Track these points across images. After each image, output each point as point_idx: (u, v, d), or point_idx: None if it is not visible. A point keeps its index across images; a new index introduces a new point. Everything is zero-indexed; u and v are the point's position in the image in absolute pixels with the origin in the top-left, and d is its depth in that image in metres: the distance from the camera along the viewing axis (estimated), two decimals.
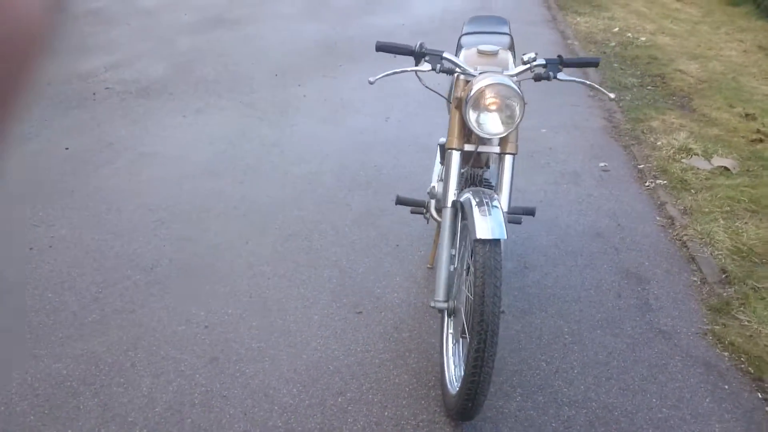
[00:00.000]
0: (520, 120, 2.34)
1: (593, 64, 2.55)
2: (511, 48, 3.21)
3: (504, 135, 2.38)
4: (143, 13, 7.56)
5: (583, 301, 3.13)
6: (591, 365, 2.74)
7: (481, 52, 2.59)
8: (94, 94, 5.32)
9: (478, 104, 2.32)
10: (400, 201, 3.03)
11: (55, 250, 3.35)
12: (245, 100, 5.29)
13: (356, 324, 2.90)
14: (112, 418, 2.41)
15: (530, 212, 3.13)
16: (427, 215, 2.99)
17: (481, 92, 2.31)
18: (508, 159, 2.47)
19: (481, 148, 2.51)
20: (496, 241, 2.21)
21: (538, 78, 2.49)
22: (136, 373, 2.61)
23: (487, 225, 2.22)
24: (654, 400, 2.57)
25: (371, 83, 2.46)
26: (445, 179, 2.50)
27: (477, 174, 2.85)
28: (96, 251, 3.34)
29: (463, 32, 3.33)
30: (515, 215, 3.01)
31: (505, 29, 3.31)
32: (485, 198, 2.33)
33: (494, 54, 2.61)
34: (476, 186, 2.76)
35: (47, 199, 3.80)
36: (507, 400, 2.56)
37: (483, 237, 2.19)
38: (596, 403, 2.56)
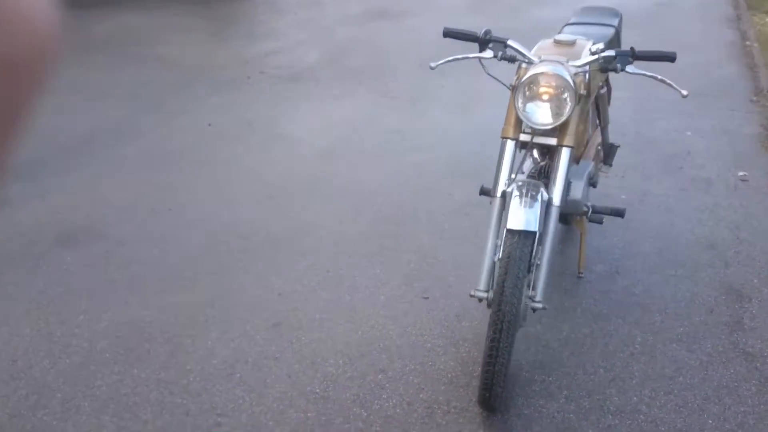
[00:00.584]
0: (570, 113, 2.27)
1: (669, 58, 2.40)
2: (614, 41, 3.08)
3: (552, 126, 2.31)
4: (313, 4, 7.98)
5: (668, 312, 2.94)
6: (653, 378, 2.58)
7: (557, 42, 2.53)
8: (248, 77, 5.73)
9: (526, 92, 2.28)
10: (483, 191, 3.02)
11: (172, 213, 3.69)
12: (382, 89, 5.45)
13: (419, 308, 2.94)
14: (173, 365, 2.65)
15: (618, 213, 2.99)
16: None
17: (530, 80, 2.26)
18: (564, 152, 2.40)
19: (537, 139, 2.45)
20: (526, 233, 2.16)
21: (604, 69, 2.39)
22: (206, 328, 2.84)
23: (520, 216, 2.19)
24: (710, 421, 2.38)
25: (432, 68, 2.49)
26: (497, 168, 2.47)
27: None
28: (206, 217, 3.65)
29: (567, 22, 3.25)
30: (597, 215, 2.89)
31: (613, 21, 3.18)
32: (529, 189, 2.28)
33: (570, 44, 2.54)
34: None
35: (179, 167, 4.19)
36: (549, 400, 2.48)
37: (512, 227, 2.16)
38: (644, 416, 2.41)
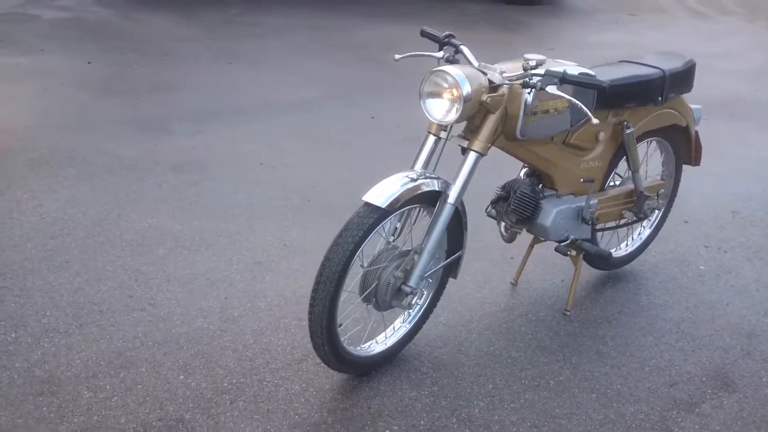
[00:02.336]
0: (459, 115, 2.32)
1: (598, 88, 2.33)
2: (653, 84, 2.93)
3: (447, 124, 2.39)
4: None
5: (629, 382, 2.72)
6: None
7: (524, 59, 2.56)
8: None
9: (425, 87, 2.40)
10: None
11: (279, 168, 4.27)
12: None
13: None
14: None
15: (603, 257, 2.88)
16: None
17: (429, 75, 2.38)
18: (470, 156, 2.44)
19: (452, 139, 2.52)
20: (374, 207, 2.28)
21: (525, 85, 2.39)
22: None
23: (376, 190, 2.30)
24: None
25: (396, 60, 2.70)
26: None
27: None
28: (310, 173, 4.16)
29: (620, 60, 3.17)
30: (561, 246, 2.82)
31: (666, 65, 3.00)
32: (420, 177, 2.39)
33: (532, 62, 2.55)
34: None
35: None
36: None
37: (363, 197, 2.30)
38: None
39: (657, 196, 3.28)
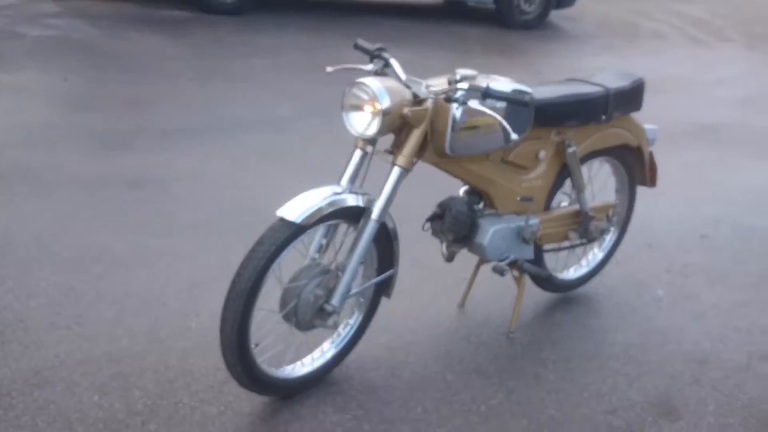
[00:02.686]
0: (378, 128, 2.27)
1: (521, 103, 2.26)
2: (594, 103, 2.86)
3: (368, 137, 2.32)
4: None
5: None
6: None
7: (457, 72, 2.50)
8: None
9: (345, 99, 2.35)
10: None
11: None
12: None
13: None
14: None
15: (543, 278, 2.80)
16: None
17: (349, 87, 2.33)
18: (393, 171, 2.38)
19: (377, 154, 2.45)
20: (288, 223, 2.21)
21: (448, 99, 2.33)
22: None
23: (291, 205, 2.24)
24: None
25: (329, 72, 2.65)
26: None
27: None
28: None
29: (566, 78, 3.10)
30: (499, 266, 2.74)
31: (611, 83, 2.93)
32: (343, 192, 2.33)
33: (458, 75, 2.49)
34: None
35: None
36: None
37: (277, 212, 2.23)
38: None
39: (607, 217, 3.19)
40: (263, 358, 2.40)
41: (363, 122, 2.32)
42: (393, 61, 2.50)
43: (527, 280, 3.00)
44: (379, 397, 2.54)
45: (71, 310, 2.86)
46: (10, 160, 4.27)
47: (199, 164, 4.47)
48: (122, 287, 3.05)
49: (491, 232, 2.70)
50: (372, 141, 2.42)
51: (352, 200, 2.35)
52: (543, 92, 2.77)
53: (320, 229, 2.39)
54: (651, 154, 3.26)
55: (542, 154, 2.83)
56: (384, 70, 2.51)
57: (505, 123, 2.29)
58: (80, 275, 3.11)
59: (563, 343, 2.95)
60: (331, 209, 2.27)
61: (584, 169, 3.05)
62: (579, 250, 3.33)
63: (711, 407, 2.62)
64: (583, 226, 3.02)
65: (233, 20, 8.42)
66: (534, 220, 2.82)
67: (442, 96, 2.34)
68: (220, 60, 6.98)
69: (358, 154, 2.45)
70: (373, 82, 2.27)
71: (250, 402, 2.44)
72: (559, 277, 3.24)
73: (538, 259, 2.99)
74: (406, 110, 2.29)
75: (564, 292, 3.31)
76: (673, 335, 3.06)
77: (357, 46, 2.63)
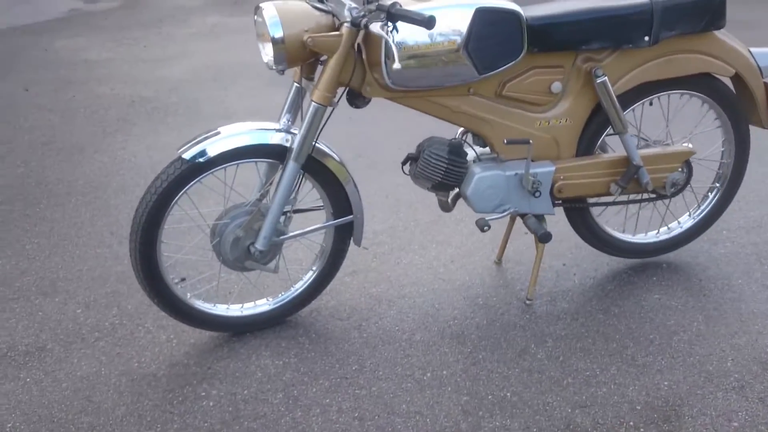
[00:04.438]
0: (274, 58, 2.04)
1: (420, 23, 1.85)
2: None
3: (276, 68, 2.09)
4: None
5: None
6: None
7: None
8: None
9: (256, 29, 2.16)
10: None
11: None
12: None
13: None
14: None
15: (543, 238, 2.37)
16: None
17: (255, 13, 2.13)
18: (311, 107, 2.13)
19: (307, 87, 2.21)
20: (181, 160, 2.12)
21: (353, 23, 2.01)
22: None
23: (195, 142, 2.14)
24: None
25: None
26: None
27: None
28: None
29: None
30: (480, 220, 2.35)
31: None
32: (268, 129, 2.19)
33: None
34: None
35: None
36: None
37: (180, 149, 2.15)
38: None
39: (681, 168, 2.52)
40: (198, 293, 2.38)
41: (265, 50, 2.12)
42: None
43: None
44: (324, 348, 2.36)
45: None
46: None
47: None
48: None
49: (476, 179, 2.31)
50: (306, 72, 2.21)
51: (274, 138, 2.18)
52: (552, 7, 2.25)
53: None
54: (767, 86, 2.48)
55: (556, 86, 2.32)
56: None
57: (393, 46, 1.90)
58: None
59: (585, 321, 2.44)
60: (235, 148, 2.13)
61: (649, 107, 2.46)
62: (662, 209, 2.71)
63: None
64: (626, 177, 2.42)
65: None
66: (545, 168, 2.35)
67: (348, 20, 2.02)
68: None
69: (294, 88, 2.25)
70: (268, 7, 2.05)
71: (199, 334, 2.44)
72: (625, 239, 2.67)
73: (586, 217, 2.52)
74: (306, 38, 2.03)
75: (637, 257, 2.73)
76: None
77: None
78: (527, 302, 2.53)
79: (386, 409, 2.08)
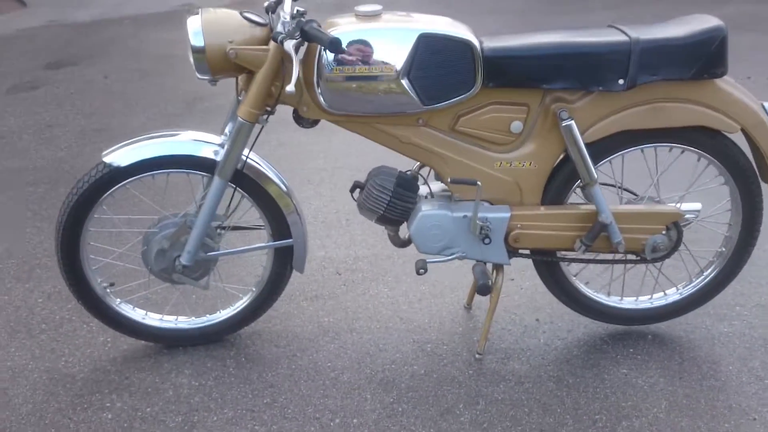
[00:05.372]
0: (197, 69, 1.96)
1: (326, 45, 1.71)
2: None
3: (209, 80, 2.01)
4: None
5: None
6: None
7: (356, 13, 2.03)
8: None
9: None
10: None
11: None
12: None
13: None
14: None
15: (481, 291, 2.16)
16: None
17: None
18: (236, 123, 2.03)
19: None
20: (106, 165, 2.09)
21: (273, 38, 1.89)
22: None
23: (123, 150, 2.10)
24: None
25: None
26: None
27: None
28: None
29: None
30: (419, 261, 2.17)
31: (625, 34, 2.03)
32: (199, 141, 2.13)
33: (371, 15, 1.99)
34: None
35: None
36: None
37: (103, 154, 2.12)
38: None
39: (675, 229, 2.21)
40: (129, 299, 2.35)
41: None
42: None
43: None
44: (246, 376, 2.26)
45: None
46: None
47: None
48: None
49: (419, 216, 2.14)
50: (244, 85, 2.11)
51: (204, 151, 2.11)
52: (515, 39, 2.04)
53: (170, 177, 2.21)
54: None
55: (516, 125, 2.10)
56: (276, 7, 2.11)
57: (295, 72, 1.77)
58: None
59: (530, 387, 2.20)
60: (159, 156, 2.08)
61: (630, 159, 2.20)
62: (655, 273, 2.42)
63: None
64: (591, 235, 2.15)
65: None
66: (499, 213, 2.14)
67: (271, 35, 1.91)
68: None
69: (235, 101, 2.16)
70: (195, 18, 1.96)
71: (136, 342, 2.40)
72: (603, 302, 2.40)
73: (553, 270, 2.30)
74: (229, 49, 1.94)
75: (620, 324, 2.44)
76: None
77: None
78: (477, 356, 2.31)
79: None
